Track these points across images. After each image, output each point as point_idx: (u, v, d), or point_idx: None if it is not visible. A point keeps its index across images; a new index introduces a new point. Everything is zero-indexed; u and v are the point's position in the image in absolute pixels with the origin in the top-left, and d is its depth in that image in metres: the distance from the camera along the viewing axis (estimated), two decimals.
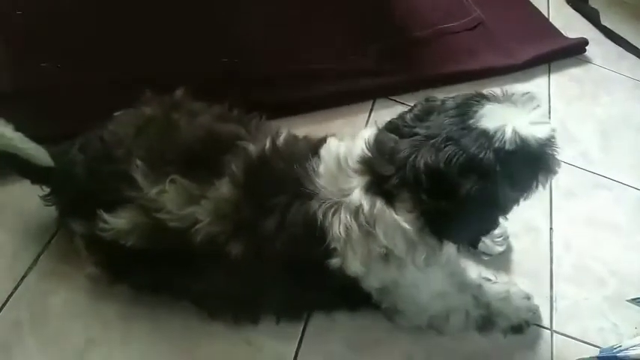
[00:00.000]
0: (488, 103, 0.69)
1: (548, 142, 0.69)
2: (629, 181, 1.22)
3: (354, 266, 0.73)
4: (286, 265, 0.74)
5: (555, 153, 0.71)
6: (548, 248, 1.06)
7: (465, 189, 0.64)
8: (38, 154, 0.77)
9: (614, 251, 1.09)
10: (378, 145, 0.71)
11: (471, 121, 0.67)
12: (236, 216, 0.72)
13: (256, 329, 0.85)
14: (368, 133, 0.74)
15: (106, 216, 0.73)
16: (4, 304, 0.82)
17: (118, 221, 0.73)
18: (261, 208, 0.72)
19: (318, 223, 0.71)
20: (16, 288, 0.84)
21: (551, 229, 1.09)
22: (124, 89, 1.01)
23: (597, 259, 1.07)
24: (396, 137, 0.70)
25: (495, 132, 0.65)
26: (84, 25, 1.19)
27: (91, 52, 1.14)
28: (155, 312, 0.84)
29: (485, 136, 0.65)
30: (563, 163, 1.18)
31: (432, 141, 0.67)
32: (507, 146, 0.65)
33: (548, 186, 1.12)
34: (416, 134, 0.68)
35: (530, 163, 0.69)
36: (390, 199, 0.69)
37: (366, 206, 0.70)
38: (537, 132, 0.67)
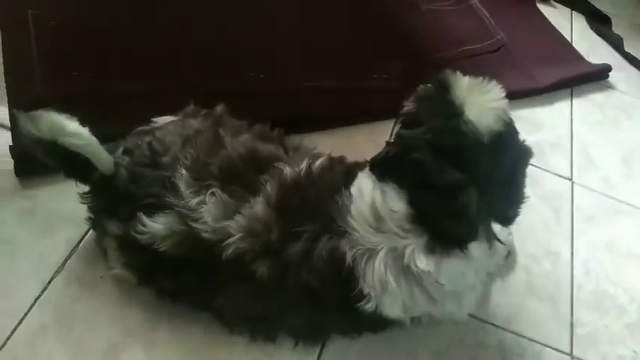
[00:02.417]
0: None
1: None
2: None
3: (394, 312, 0.74)
4: (309, 293, 0.74)
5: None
6: (569, 273, 1.06)
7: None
8: (106, 161, 0.79)
9: (634, 278, 1.08)
10: (417, 204, 0.70)
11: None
12: (265, 236, 0.73)
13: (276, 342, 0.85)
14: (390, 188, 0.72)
15: (145, 219, 0.74)
16: (30, 308, 0.84)
17: (156, 226, 0.74)
18: (290, 232, 0.73)
19: (347, 264, 0.71)
20: (42, 291, 0.85)
21: (571, 253, 1.09)
22: (153, 98, 1.06)
23: (618, 286, 1.06)
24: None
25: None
26: (118, 35, 1.23)
27: (126, 61, 1.18)
28: (177, 321, 0.85)
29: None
30: (584, 188, 1.20)
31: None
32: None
33: (569, 210, 1.14)
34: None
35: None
36: (450, 251, 0.69)
37: (421, 263, 0.69)
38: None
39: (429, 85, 0.73)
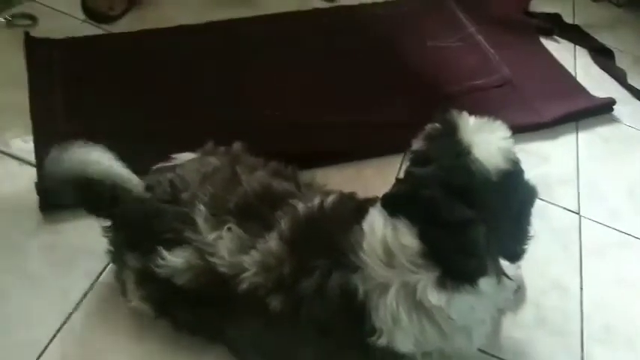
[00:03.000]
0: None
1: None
2: None
3: (405, 347, 0.75)
4: (320, 327, 0.76)
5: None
6: (578, 307, 1.06)
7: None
8: (135, 180, 0.83)
9: None
10: (428, 239, 0.72)
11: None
12: (279, 271, 0.75)
13: None
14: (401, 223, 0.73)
15: (165, 253, 0.77)
16: (51, 340, 0.86)
17: (175, 260, 0.77)
18: (303, 267, 0.75)
19: (359, 298, 0.73)
20: (63, 324, 0.88)
21: (580, 287, 1.10)
22: (174, 136, 1.11)
23: (628, 320, 1.06)
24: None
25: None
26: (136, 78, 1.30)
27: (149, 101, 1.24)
28: (193, 354, 0.87)
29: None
30: (592, 222, 1.22)
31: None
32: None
33: (577, 244, 1.15)
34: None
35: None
36: (461, 286, 0.71)
37: (433, 298, 0.70)
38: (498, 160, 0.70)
39: (437, 124, 0.76)
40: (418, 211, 0.71)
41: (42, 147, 1.09)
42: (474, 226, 0.69)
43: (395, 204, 0.75)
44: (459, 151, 0.70)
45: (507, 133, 0.74)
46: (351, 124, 1.28)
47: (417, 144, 0.76)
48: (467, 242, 0.69)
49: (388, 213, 0.75)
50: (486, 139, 0.71)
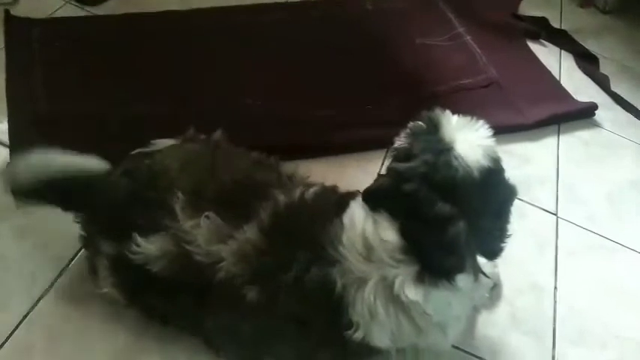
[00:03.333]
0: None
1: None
2: (635, 246, 1.24)
3: (381, 341, 0.75)
4: (297, 320, 0.75)
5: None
6: (552, 307, 1.08)
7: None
8: (90, 162, 0.81)
9: (617, 314, 1.10)
10: (408, 234, 0.72)
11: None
12: (257, 261, 0.75)
13: None
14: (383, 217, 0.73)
15: (140, 240, 0.76)
16: (17, 326, 0.84)
17: (150, 247, 0.76)
18: (281, 259, 0.74)
19: (336, 292, 0.72)
20: (31, 309, 0.86)
21: (555, 288, 1.11)
22: (153, 122, 1.09)
23: (601, 322, 1.08)
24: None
25: None
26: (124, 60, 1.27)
27: (131, 85, 1.22)
28: (164, 344, 0.86)
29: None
30: (569, 223, 1.23)
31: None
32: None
33: (553, 245, 1.16)
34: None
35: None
36: (438, 282, 0.71)
37: (410, 293, 0.71)
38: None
39: (420, 122, 0.76)
40: (400, 205, 0.71)
41: (17, 127, 1.07)
42: (455, 222, 0.69)
43: (377, 198, 0.74)
44: (441, 148, 0.70)
45: (490, 132, 0.74)
46: (334, 118, 1.27)
47: (400, 140, 0.76)
48: (447, 238, 0.69)
49: (369, 207, 0.75)
50: (469, 137, 0.71)
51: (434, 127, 0.73)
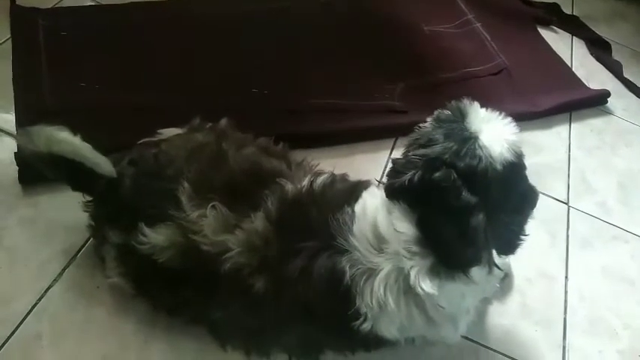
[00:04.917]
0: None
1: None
2: None
3: (390, 332, 0.74)
4: (305, 309, 0.74)
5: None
6: (563, 297, 1.06)
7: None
8: (104, 163, 0.80)
9: (628, 304, 1.09)
10: (427, 225, 0.71)
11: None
12: (264, 251, 0.74)
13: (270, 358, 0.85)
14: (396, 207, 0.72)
15: (146, 230, 0.75)
16: (26, 316, 0.84)
17: (156, 237, 0.75)
18: (289, 249, 0.74)
19: (345, 282, 0.71)
20: (39, 300, 0.86)
21: (566, 277, 1.10)
22: (160, 111, 1.08)
23: (611, 312, 1.06)
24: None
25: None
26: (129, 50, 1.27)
27: (135, 75, 1.21)
28: (171, 335, 0.86)
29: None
30: (580, 213, 1.21)
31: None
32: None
33: (564, 234, 1.15)
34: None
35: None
36: (455, 275, 0.70)
37: (426, 285, 0.70)
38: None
39: (446, 110, 0.74)
40: (423, 195, 0.69)
41: (24, 118, 1.06)
42: (476, 213, 0.67)
43: (401, 190, 0.72)
44: (467, 137, 0.69)
45: (516, 129, 0.72)
46: (343, 108, 1.25)
47: (424, 127, 0.75)
48: (467, 229, 0.68)
49: (388, 197, 0.73)
50: (495, 130, 0.70)
51: (461, 116, 0.71)
